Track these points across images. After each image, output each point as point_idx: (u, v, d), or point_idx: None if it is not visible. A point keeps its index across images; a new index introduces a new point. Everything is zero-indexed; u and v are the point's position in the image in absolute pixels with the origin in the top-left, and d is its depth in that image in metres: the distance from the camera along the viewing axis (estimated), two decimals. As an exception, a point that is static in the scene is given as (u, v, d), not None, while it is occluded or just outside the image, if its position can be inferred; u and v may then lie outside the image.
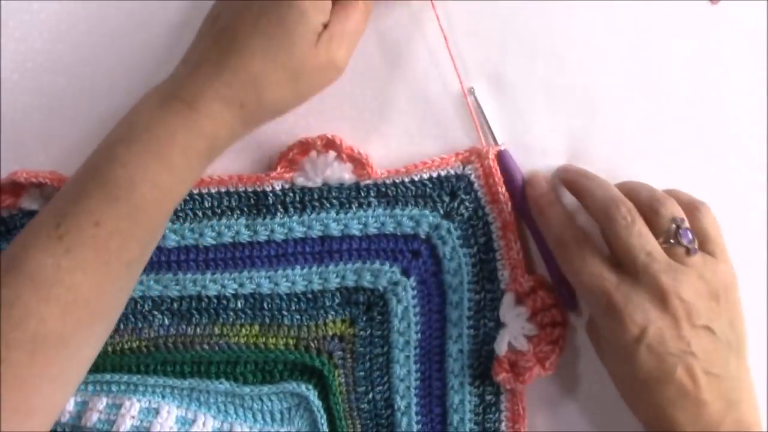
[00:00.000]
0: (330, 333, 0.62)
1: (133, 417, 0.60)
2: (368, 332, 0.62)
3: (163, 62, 0.60)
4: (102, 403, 0.60)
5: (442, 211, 0.61)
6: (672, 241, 0.56)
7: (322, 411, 0.62)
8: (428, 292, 0.62)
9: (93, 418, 0.59)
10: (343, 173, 0.61)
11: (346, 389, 0.63)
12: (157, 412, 0.60)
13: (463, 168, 0.61)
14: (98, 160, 0.52)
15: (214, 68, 0.52)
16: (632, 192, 0.58)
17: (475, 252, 0.61)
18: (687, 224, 0.56)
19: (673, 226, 0.56)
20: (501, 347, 0.60)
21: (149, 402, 0.60)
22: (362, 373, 0.63)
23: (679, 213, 0.57)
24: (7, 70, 0.58)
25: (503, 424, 0.63)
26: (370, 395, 0.63)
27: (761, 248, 0.65)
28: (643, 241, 0.55)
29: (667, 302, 0.53)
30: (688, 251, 0.56)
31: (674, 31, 0.63)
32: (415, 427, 0.62)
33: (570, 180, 0.61)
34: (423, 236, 0.61)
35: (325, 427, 0.62)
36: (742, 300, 0.62)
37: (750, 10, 0.64)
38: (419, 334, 0.62)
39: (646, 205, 0.57)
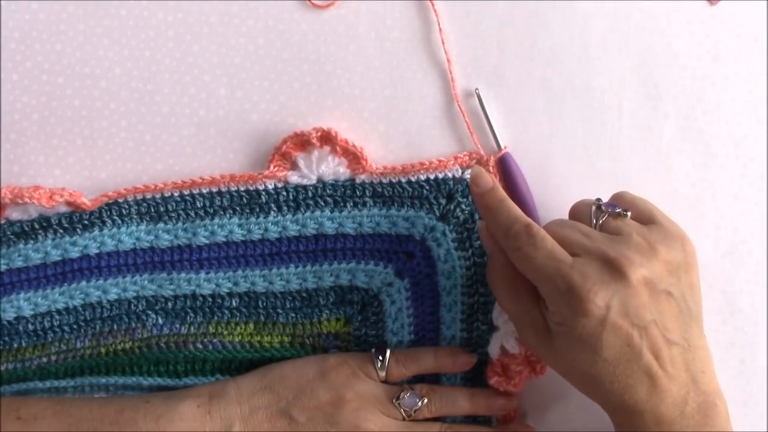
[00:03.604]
0: (325, 331, 0.62)
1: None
2: (363, 332, 0.62)
3: (163, 62, 0.61)
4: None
5: (438, 213, 0.61)
6: (601, 217, 0.55)
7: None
8: (422, 293, 0.61)
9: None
10: (338, 168, 0.61)
11: (341, 387, 0.63)
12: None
13: (462, 172, 0.61)
14: None
15: None
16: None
17: (470, 255, 0.61)
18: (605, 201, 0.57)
19: (593, 207, 0.56)
20: (494, 350, 0.60)
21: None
22: (356, 372, 0.63)
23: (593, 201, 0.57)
24: (7, 70, 0.59)
25: (494, 424, 0.63)
26: (365, 394, 0.63)
27: (761, 248, 0.64)
28: (574, 227, 0.55)
29: (621, 270, 0.51)
30: (618, 215, 0.55)
31: (674, 31, 0.63)
32: (409, 426, 0.63)
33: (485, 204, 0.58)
34: (418, 238, 0.61)
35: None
36: (741, 299, 0.62)
37: (749, 10, 0.63)
38: (413, 335, 0.62)
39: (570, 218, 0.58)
